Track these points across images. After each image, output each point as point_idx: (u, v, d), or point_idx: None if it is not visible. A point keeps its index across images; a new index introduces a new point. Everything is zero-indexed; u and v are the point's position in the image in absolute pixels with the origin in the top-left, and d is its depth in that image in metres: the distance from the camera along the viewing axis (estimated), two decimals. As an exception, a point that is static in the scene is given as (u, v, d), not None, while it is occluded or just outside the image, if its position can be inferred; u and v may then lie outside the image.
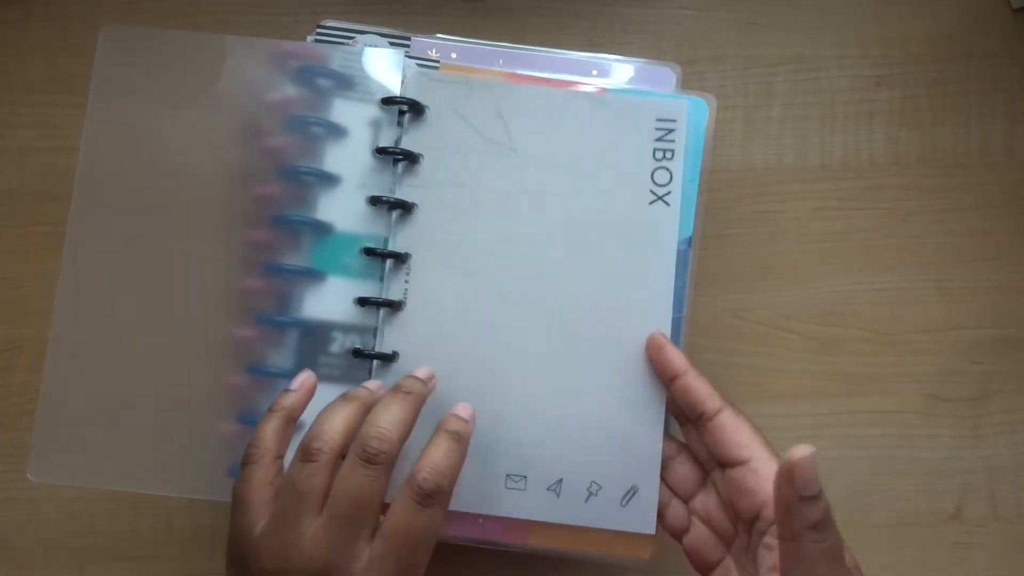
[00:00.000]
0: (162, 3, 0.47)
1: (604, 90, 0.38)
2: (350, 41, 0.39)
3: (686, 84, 0.40)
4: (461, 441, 0.32)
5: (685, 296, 0.37)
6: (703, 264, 0.39)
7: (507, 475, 0.36)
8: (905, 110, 0.46)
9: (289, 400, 0.34)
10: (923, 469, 0.44)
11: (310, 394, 0.35)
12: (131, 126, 0.37)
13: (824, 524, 0.28)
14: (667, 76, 0.39)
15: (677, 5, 0.47)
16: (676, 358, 0.35)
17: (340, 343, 0.36)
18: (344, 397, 0.33)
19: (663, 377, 0.36)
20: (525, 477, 0.36)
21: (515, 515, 0.36)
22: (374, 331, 0.37)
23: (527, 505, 0.36)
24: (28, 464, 0.36)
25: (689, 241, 0.38)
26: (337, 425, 0.32)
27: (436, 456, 0.31)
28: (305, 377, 0.35)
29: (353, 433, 0.32)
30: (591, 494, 0.36)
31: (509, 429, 0.36)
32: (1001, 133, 0.46)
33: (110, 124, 0.37)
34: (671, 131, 0.37)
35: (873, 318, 0.45)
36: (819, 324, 0.45)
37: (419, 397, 0.33)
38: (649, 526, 0.36)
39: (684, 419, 0.37)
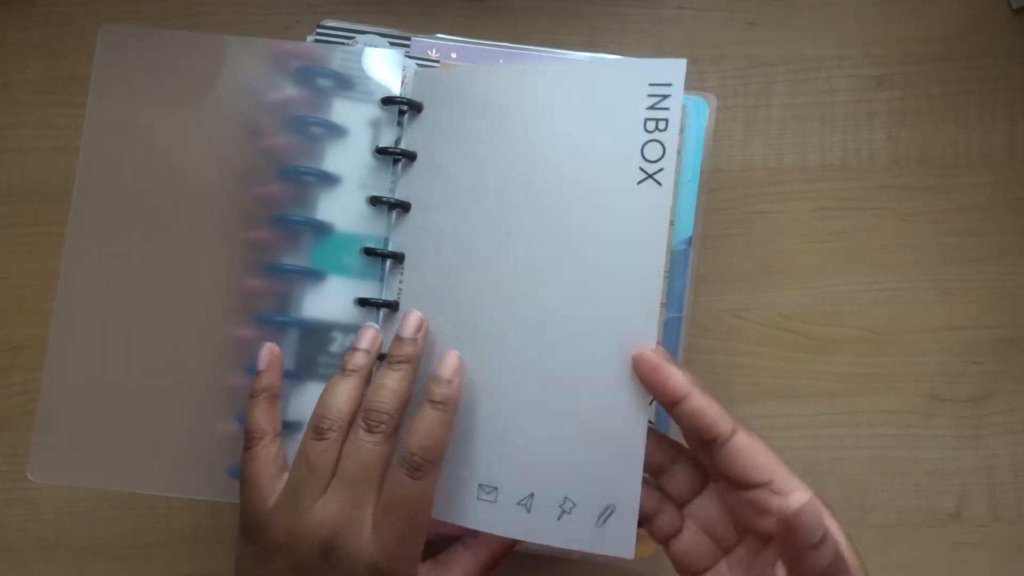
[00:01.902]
0: (162, 3, 0.47)
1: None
2: (350, 41, 0.39)
3: (686, 84, 0.40)
4: (447, 409, 0.32)
5: (685, 296, 0.37)
6: (703, 264, 0.39)
7: (479, 485, 0.34)
8: (905, 110, 0.46)
9: (264, 380, 0.35)
10: (923, 469, 0.44)
11: (280, 365, 0.35)
12: (131, 126, 0.37)
13: (837, 565, 0.27)
14: (667, 76, 0.39)
15: (677, 5, 0.47)
16: (676, 378, 0.31)
17: (340, 343, 0.36)
18: (344, 372, 0.34)
19: (662, 401, 0.31)
20: (496, 489, 0.33)
21: (483, 529, 0.33)
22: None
23: (496, 519, 0.33)
24: (28, 464, 0.36)
25: (689, 241, 0.37)
26: (341, 403, 0.33)
27: (422, 431, 0.32)
28: (267, 352, 0.35)
29: (357, 404, 0.33)
30: (564, 511, 0.33)
31: (484, 435, 0.34)
32: (1001, 133, 0.46)
33: (110, 124, 0.37)
34: (666, 96, 0.32)
35: (873, 318, 0.45)
36: (819, 324, 0.45)
37: (413, 364, 0.34)
38: (627, 549, 0.32)
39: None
